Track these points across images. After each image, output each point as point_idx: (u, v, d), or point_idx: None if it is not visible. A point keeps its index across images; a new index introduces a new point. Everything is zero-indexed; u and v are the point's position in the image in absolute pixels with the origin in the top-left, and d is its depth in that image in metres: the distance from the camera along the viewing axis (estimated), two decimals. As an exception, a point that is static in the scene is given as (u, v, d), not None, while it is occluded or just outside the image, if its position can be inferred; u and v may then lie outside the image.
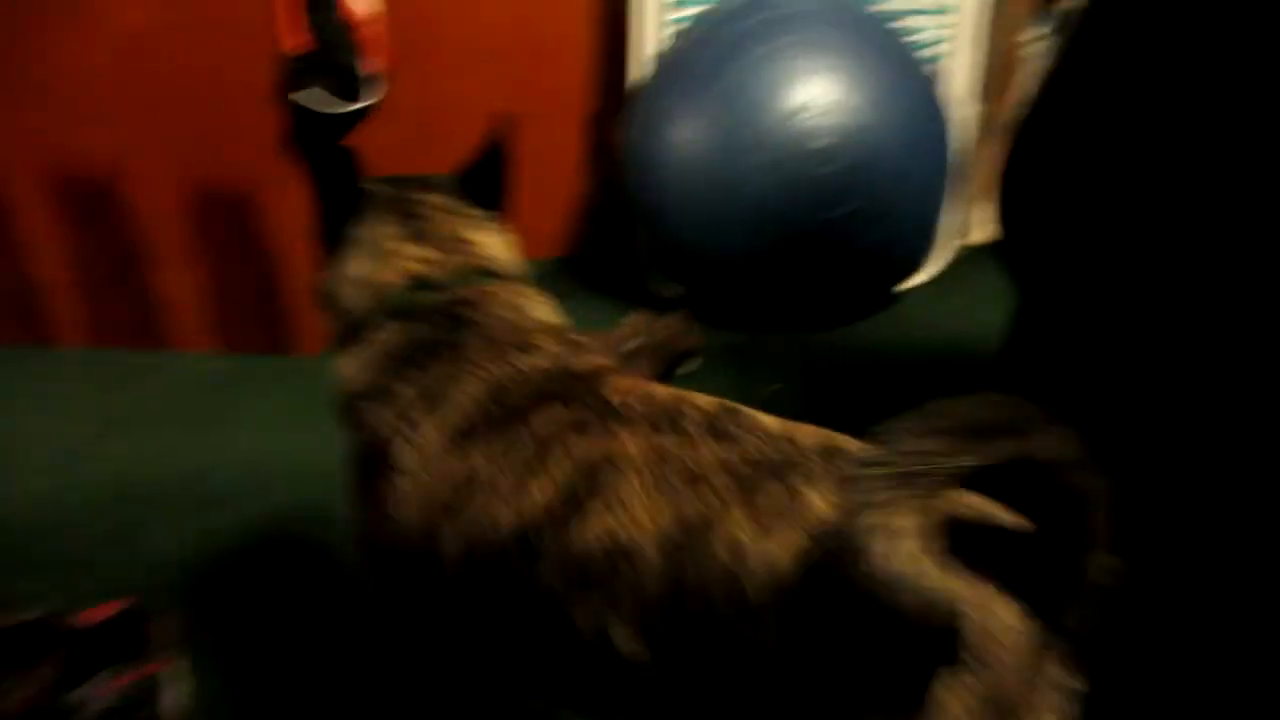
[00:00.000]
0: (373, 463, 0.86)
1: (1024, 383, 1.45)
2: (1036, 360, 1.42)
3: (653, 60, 2.14)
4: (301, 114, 1.81)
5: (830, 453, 0.70)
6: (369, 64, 1.87)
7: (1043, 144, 1.32)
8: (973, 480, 0.58)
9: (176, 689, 1.11)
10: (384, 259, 0.93)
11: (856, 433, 0.71)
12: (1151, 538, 1.20)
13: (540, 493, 0.75)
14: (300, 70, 1.78)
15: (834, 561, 0.59)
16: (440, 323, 0.89)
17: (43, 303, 2.05)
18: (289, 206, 1.92)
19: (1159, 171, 1.06)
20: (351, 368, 0.91)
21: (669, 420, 0.75)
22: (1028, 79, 3.33)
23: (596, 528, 0.72)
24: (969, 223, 2.58)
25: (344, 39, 1.80)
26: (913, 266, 2.24)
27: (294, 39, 1.78)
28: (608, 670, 0.73)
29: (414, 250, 0.93)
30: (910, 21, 2.16)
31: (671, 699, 0.71)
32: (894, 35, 2.07)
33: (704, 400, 0.77)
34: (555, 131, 2.37)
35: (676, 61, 2.04)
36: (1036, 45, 3.38)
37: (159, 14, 1.78)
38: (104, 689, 0.94)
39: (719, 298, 2.11)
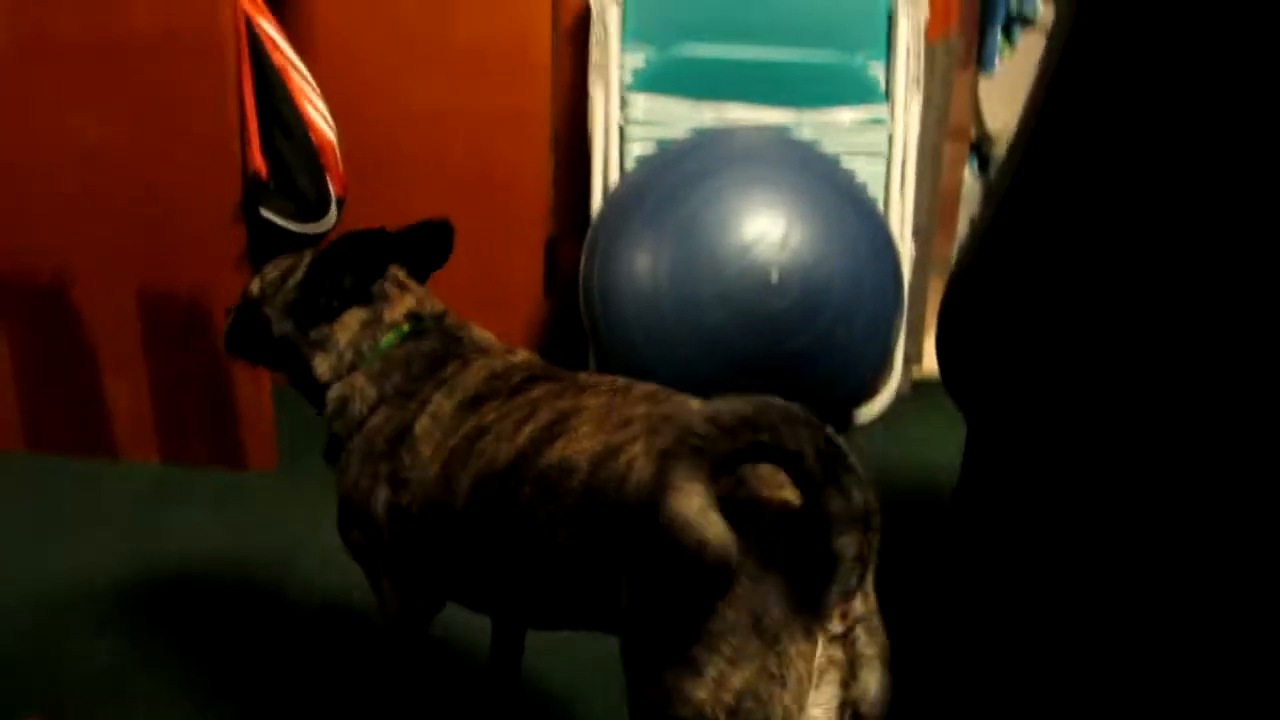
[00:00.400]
0: (394, 448, 1.09)
1: (981, 513, 1.48)
2: (990, 491, 1.45)
3: (611, 190, 2.23)
4: (264, 231, 1.84)
5: None
6: (333, 187, 1.91)
7: (980, 283, 1.37)
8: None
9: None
10: (388, 304, 1.19)
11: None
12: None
13: (528, 431, 1.00)
14: (263, 190, 1.82)
15: (650, 511, 0.78)
16: (442, 337, 1.17)
17: (-16, 406, 2.01)
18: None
19: (1095, 308, 1.12)
20: (368, 387, 1.15)
21: (622, 391, 1.01)
22: (965, 217, 3.52)
23: (557, 452, 0.96)
24: (921, 354, 2.67)
25: (309, 161, 1.85)
26: (866, 396, 2.31)
27: (260, 160, 1.83)
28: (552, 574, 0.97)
29: (407, 297, 1.20)
30: (849, 163, 2.29)
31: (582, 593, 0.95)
32: (841, 173, 2.19)
33: (652, 385, 1.02)
34: (513, 256, 2.43)
35: (634, 193, 2.12)
36: (970, 186, 3.59)
37: (121, 131, 1.83)
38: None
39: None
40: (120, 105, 1.82)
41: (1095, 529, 1.22)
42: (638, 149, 2.25)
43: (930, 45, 2.32)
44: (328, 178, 1.85)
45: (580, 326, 2.23)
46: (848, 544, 0.79)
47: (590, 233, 2.19)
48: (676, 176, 2.05)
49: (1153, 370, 1.06)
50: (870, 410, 2.38)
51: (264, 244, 1.86)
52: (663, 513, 0.75)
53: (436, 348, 1.16)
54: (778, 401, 0.79)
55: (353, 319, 1.18)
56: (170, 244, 1.90)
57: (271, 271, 1.24)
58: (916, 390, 2.58)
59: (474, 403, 1.08)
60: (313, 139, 1.84)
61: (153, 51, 1.77)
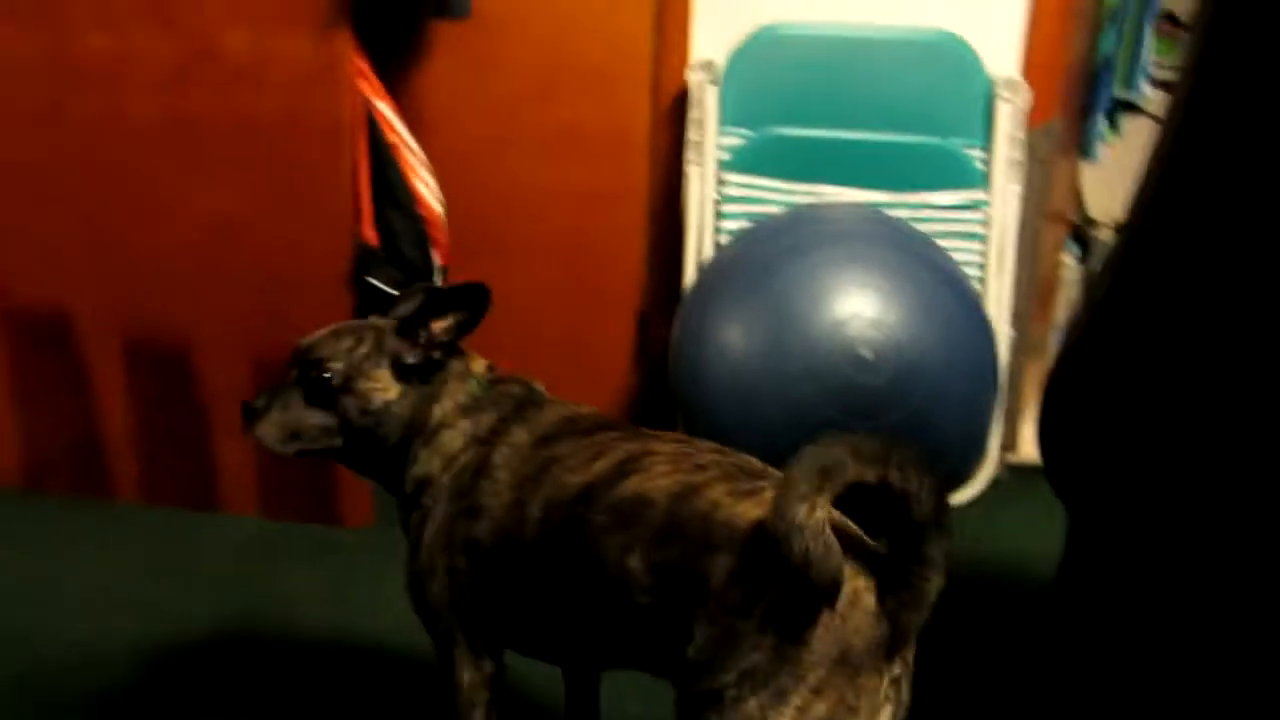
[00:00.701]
0: (475, 479, 1.13)
1: (1083, 604, 1.42)
2: (1093, 582, 1.40)
3: (704, 264, 2.26)
4: (370, 298, 1.92)
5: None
6: (437, 257, 2.00)
7: (1086, 371, 1.34)
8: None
9: None
10: (468, 357, 1.24)
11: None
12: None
13: (600, 466, 1.05)
14: (373, 258, 1.91)
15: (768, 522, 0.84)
16: (522, 384, 1.23)
17: (105, 458, 2.12)
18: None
19: (1207, 401, 1.08)
20: (465, 424, 1.18)
21: (687, 441, 1.10)
22: (1064, 301, 3.45)
23: (632, 487, 1.00)
24: (1017, 439, 2.60)
25: (416, 232, 1.93)
26: (958, 480, 2.25)
27: (370, 230, 1.92)
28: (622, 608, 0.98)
29: (480, 360, 1.25)
30: (945, 244, 2.28)
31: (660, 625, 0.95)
32: (937, 253, 2.18)
33: (713, 443, 1.08)
34: (607, 328, 2.48)
35: (726, 267, 2.15)
36: (1070, 270, 3.52)
37: (244, 204, 1.95)
38: None
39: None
40: (246, 180, 1.94)
41: (1201, 626, 1.17)
42: (731, 226, 2.29)
43: (1031, 130, 2.32)
44: (433, 248, 1.93)
45: (669, 398, 2.25)
46: (934, 588, 0.86)
47: (682, 305, 2.22)
48: (770, 251, 2.07)
49: (1268, 469, 1.02)
50: (962, 495, 2.32)
51: (370, 311, 1.94)
52: (783, 519, 0.80)
53: (520, 393, 1.21)
54: (908, 442, 0.85)
55: (451, 371, 1.22)
56: (283, 311, 1.99)
57: (351, 345, 1.20)
58: (1011, 476, 2.51)
59: (548, 440, 1.13)
60: (420, 211, 1.93)
61: (279, 130, 1.90)
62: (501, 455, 1.14)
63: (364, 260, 1.90)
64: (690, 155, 2.29)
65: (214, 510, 2.12)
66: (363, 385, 1.18)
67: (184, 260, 1.99)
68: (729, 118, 2.29)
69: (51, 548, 1.93)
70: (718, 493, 0.95)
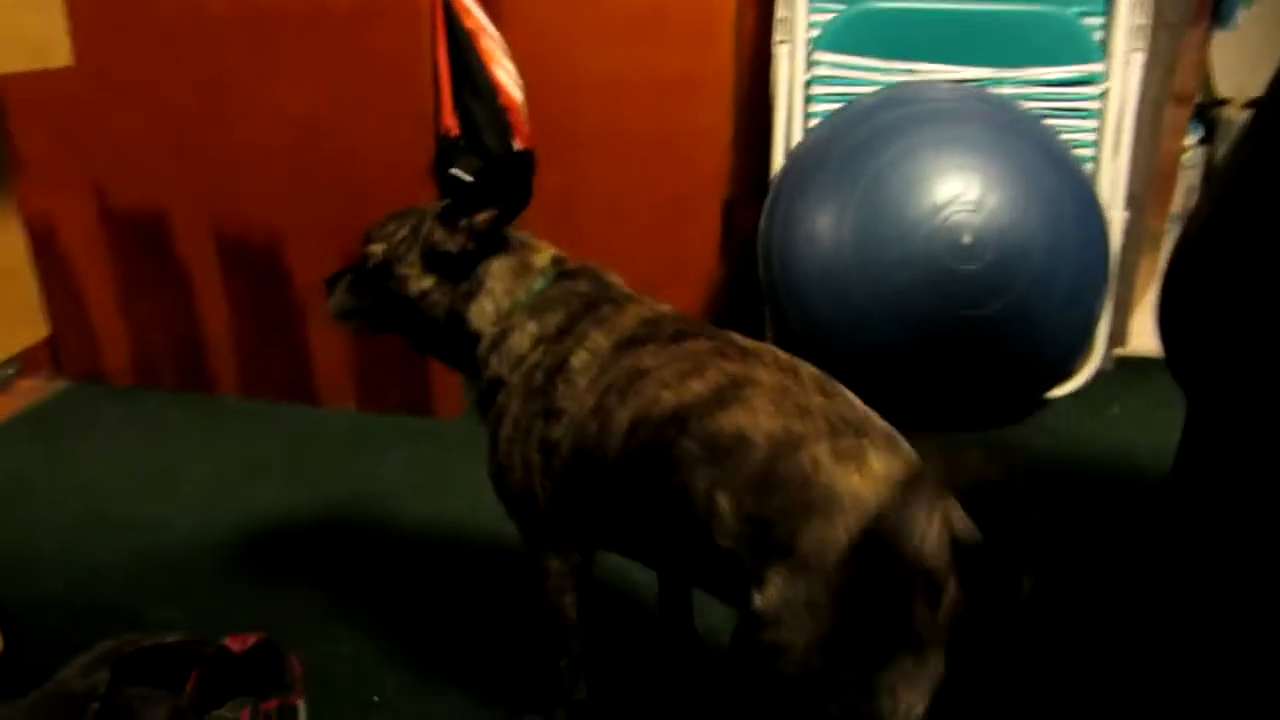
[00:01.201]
0: (550, 380, 1.09)
1: (1203, 495, 1.36)
2: (1213, 473, 1.34)
3: (793, 151, 2.17)
4: (452, 189, 1.90)
5: (890, 437, 0.95)
6: (519, 144, 1.96)
7: (1213, 254, 1.26)
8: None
9: (303, 724, 1.14)
10: (531, 251, 1.20)
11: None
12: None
13: (697, 387, 0.98)
14: (454, 147, 1.89)
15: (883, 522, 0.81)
16: (592, 280, 1.17)
17: (207, 355, 2.19)
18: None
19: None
20: (529, 323, 1.14)
21: (790, 370, 1.00)
22: (1183, 188, 3.23)
23: (733, 419, 0.94)
24: (1125, 332, 2.48)
25: (497, 120, 1.89)
26: (1062, 373, 2.16)
27: (451, 119, 1.89)
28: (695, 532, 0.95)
29: (543, 245, 1.22)
30: (1054, 122, 2.14)
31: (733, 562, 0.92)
32: (1045, 132, 2.04)
33: (811, 367, 1.02)
34: (693, 217, 2.43)
35: (818, 150, 2.06)
36: (1191, 154, 3.29)
37: (324, 99, 1.94)
38: (243, 713, 0.97)
39: (852, 389, 2.08)
40: (325, 75, 1.92)
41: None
42: (822, 109, 2.19)
43: (1158, -7, 2.13)
44: (514, 136, 1.90)
45: (757, 290, 2.20)
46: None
47: (771, 192, 2.15)
48: (864, 133, 1.97)
49: None
50: (1066, 388, 2.23)
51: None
52: (901, 530, 0.77)
53: (589, 290, 1.16)
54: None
55: (502, 267, 1.18)
56: (367, 205, 1.97)
57: (395, 230, 1.21)
58: (1118, 368, 2.40)
59: (631, 343, 1.08)
60: (501, 100, 1.88)
61: (354, 21, 1.87)
62: (580, 359, 1.09)
63: (446, 151, 1.88)
64: (779, 33, 2.18)
65: (312, 403, 2.18)
66: (399, 270, 1.19)
67: (269, 158, 2.00)
68: (820, -9, 2.17)
69: (161, 442, 2.02)
70: (820, 450, 0.90)
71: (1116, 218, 2.18)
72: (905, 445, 0.94)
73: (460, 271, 1.17)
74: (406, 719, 1.26)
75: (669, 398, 0.99)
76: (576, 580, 1.15)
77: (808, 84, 2.19)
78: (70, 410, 2.16)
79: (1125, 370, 2.39)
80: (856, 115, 2.04)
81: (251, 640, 1.08)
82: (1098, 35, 2.14)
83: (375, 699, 1.29)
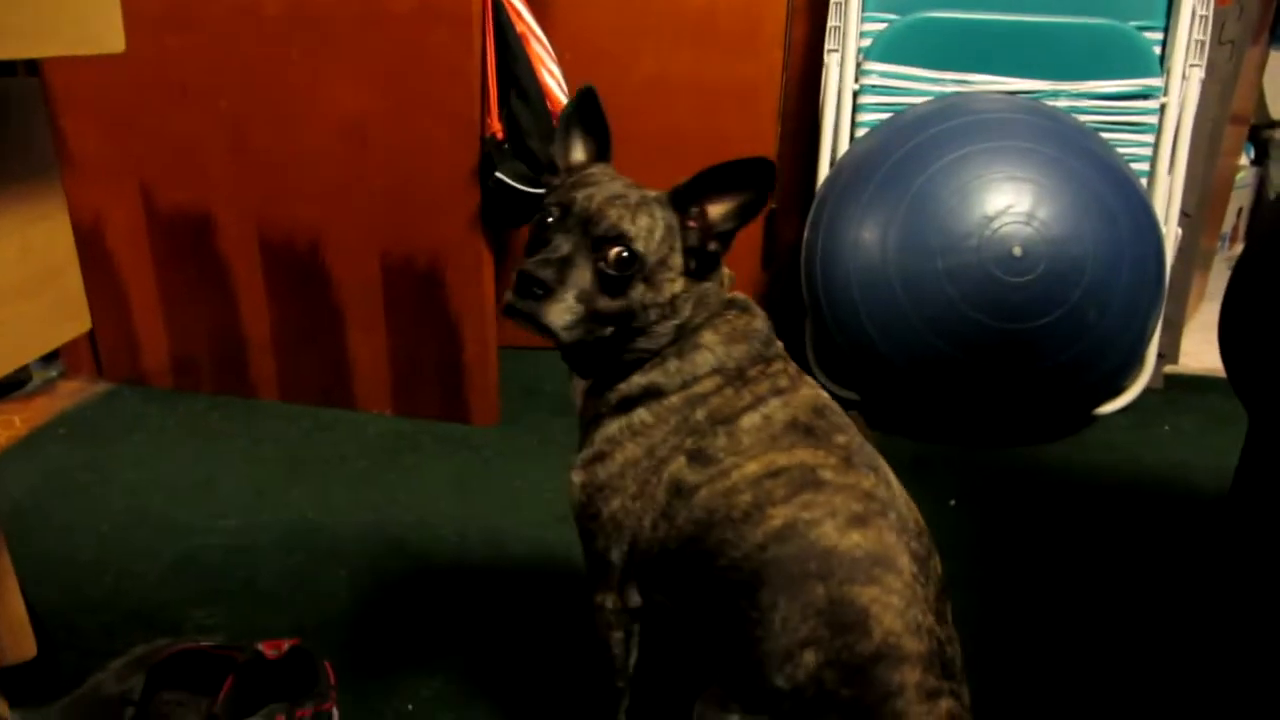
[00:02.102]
0: (713, 424, 1.00)
1: (1262, 516, 1.32)
2: (1273, 496, 1.30)
3: (840, 160, 2.14)
4: (496, 194, 1.89)
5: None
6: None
7: (1273, 273, 1.23)
8: None
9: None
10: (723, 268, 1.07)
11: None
12: None
13: (857, 540, 0.94)
14: (499, 151, 1.87)
15: None
16: (761, 320, 1.07)
17: (247, 357, 2.20)
18: (474, 283, 2.00)
19: None
20: (717, 346, 1.03)
21: (923, 561, 0.97)
22: (1234, 208, 3.16)
23: (868, 598, 0.92)
24: (1176, 349, 2.42)
25: (543, 125, 1.88)
26: (1112, 389, 2.11)
27: (497, 123, 1.88)
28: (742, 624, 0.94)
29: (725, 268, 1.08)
30: (1110, 137, 2.09)
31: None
32: (1100, 145, 2.00)
33: (938, 560, 1.00)
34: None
35: (865, 160, 2.03)
36: (1244, 174, 3.22)
37: (375, 100, 1.93)
38: (277, 719, 0.95)
39: (895, 402, 2.04)
40: (375, 75, 1.92)
41: None
42: (870, 119, 2.15)
43: (1220, 7, 2.08)
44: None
45: (798, 301, 2.17)
46: None
47: (816, 201, 2.12)
48: (913, 143, 1.94)
49: None
50: (1115, 404, 2.18)
51: (496, 207, 1.92)
52: None
53: (764, 332, 1.06)
54: None
55: (721, 274, 1.06)
56: (411, 208, 1.99)
57: (648, 224, 1.00)
58: (1168, 386, 2.34)
59: (807, 433, 0.99)
60: (548, 104, 1.87)
61: (406, 22, 1.86)
62: (751, 421, 0.99)
63: (490, 154, 1.86)
64: (830, 41, 2.16)
65: (349, 408, 2.17)
66: (660, 274, 1.01)
67: (316, 160, 2.00)
68: (873, 1, 2.14)
69: (200, 445, 2.02)
70: (911, 679, 0.91)
71: (1170, 234, 2.13)
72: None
73: (703, 272, 1.03)
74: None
75: (830, 536, 0.93)
76: (631, 620, 1.08)
77: (857, 93, 2.16)
78: (111, 412, 2.17)
79: (1175, 388, 2.34)
80: (906, 125, 2.01)
81: (286, 646, 1.06)
82: (1156, 49, 2.09)
83: (409, 708, 1.27)
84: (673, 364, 1.02)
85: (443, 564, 1.60)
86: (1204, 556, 1.60)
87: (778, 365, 1.04)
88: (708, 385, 1.01)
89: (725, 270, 1.07)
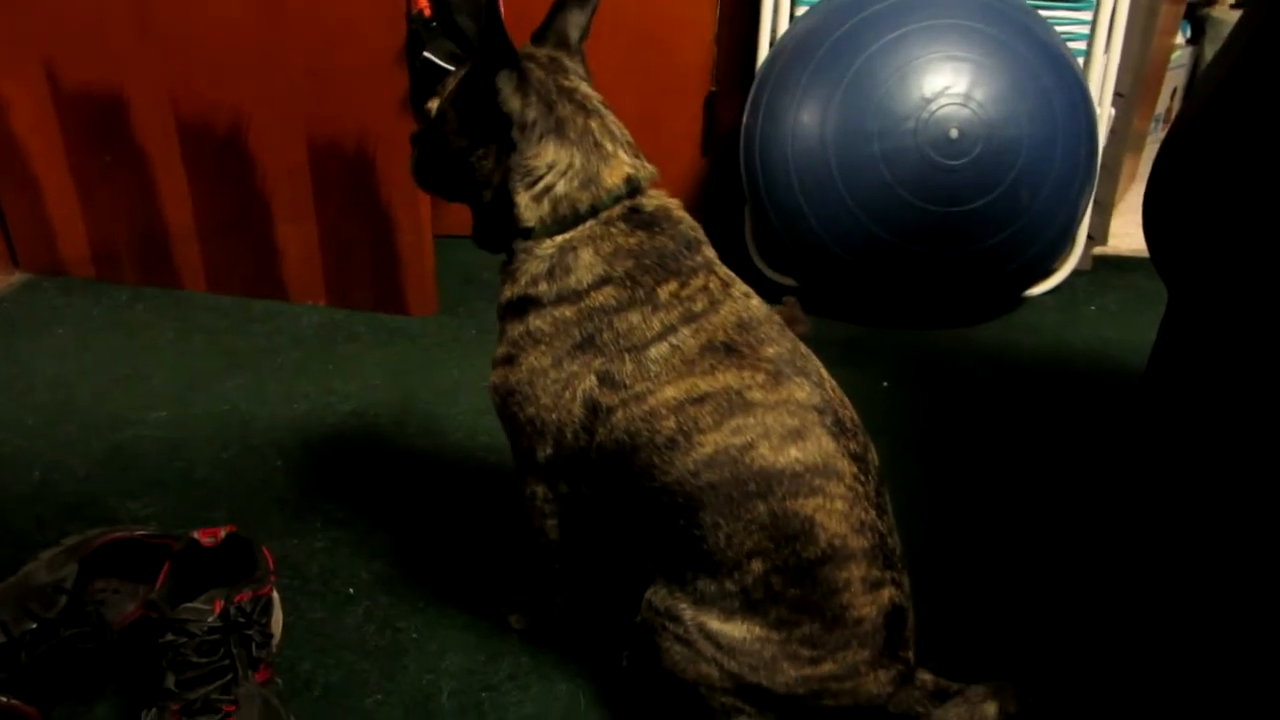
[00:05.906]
0: (619, 347, 0.97)
1: (1181, 388, 1.37)
2: (1193, 367, 1.35)
3: (779, 41, 2.09)
4: (424, 75, 1.82)
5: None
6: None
7: (1201, 150, 1.25)
8: None
9: (277, 614, 1.13)
10: (602, 158, 1.01)
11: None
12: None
13: (796, 454, 0.95)
14: (426, 29, 1.80)
15: None
16: (677, 238, 1.01)
17: (171, 246, 2.12)
18: (405, 168, 1.94)
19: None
20: (596, 263, 0.99)
21: (862, 459, 0.99)
22: (1169, 89, 3.18)
23: (810, 509, 0.95)
24: (1107, 230, 2.46)
25: (472, 1, 1.80)
26: (1042, 271, 2.15)
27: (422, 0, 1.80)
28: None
29: (621, 153, 1.03)
30: (1048, 14, 2.07)
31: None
32: (1039, 24, 1.98)
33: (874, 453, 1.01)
34: (672, 111, 2.35)
35: (802, 42, 1.99)
36: (1179, 54, 3.23)
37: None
38: (217, 605, 0.96)
39: (831, 288, 2.06)
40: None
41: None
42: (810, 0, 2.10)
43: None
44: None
45: (737, 185, 2.15)
46: None
47: (754, 85, 2.08)
48: (852, 21, 1.90)
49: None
50: (1045, 285, 2.23)
51: (423, 88, 1.85)
52: None
53: (670, 248, 1.00)
54: None
55: (560, 156, 1.00)
56: (336, 91, 1.91)
57: (451, 83, 1.05)
58: (1096, 267, 2.39)
59: (728, 350, 0.96)
60: (474, -23, 1.79)
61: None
62: (660, 352, 0.96)
63: (417, 33, 1.79)
64: (767, -86, 2.08)
65: (282, 299, 2.13)
66: (445, 130, 1.04)
67: (231, 35, 1.90)
68: None
69: (126, 337, 1.97)
70: (857, 575, 0.95)
71: (1104, 115, 2.14)
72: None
73: (484, 129, 1.00)
74: (380, 610, 1.26)
75: (767, 456, 0.93)
76: (563, 507, 1.09)
77: (795, -30, 2.10)
78: (30, 303, 2.10)
79: (1103, 269, 2.39)
80: (845, 4, 1.96)
81: (223, 533, 1.06)
82: (1095, -80, 2.06)
83: (350, 590, 1.29)
84: (544, 278, 1.00)
85: (381, 452, 1.61)
86: (1124, 430, 1.67)
87: (697, 282, 0.99)
88: (602, 298, 0.98)
89: (611, 171, 1.01)
